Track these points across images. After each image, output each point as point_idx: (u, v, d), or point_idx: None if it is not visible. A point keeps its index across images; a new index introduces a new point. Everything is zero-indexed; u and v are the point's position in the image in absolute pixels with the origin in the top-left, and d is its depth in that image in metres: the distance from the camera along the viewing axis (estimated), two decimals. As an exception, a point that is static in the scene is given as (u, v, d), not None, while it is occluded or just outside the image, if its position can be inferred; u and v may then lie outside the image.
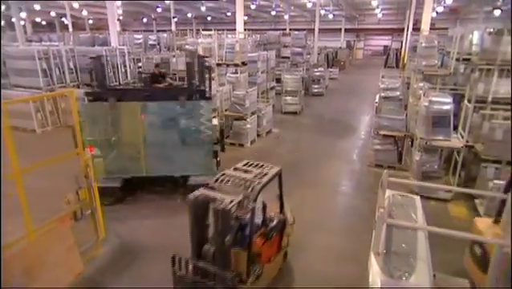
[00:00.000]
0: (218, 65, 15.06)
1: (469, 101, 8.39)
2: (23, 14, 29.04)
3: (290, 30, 34.67)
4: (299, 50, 24.15)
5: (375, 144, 10.54)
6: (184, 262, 4.51)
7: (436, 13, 29.95)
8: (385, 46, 47.72)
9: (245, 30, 18.93)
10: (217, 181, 4.78)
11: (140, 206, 8.25)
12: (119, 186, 8.17)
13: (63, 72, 14.97)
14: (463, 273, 4.88)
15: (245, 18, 24.25)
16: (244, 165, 5.35)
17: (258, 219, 5.11)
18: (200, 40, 12.55)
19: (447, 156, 9.27)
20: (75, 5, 30.11)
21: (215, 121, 8.93)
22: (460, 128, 8.67)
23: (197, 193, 4.40)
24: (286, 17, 39.26)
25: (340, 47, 41.33)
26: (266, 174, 4.95)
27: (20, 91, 14.73)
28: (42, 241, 5.40)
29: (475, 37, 10.18)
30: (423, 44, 12.44)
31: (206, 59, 9.60)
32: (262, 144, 12.80)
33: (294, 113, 17.00)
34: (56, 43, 24.57)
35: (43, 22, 48.27)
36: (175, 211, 7.61)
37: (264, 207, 5.33)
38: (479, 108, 8.72)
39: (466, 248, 5.09)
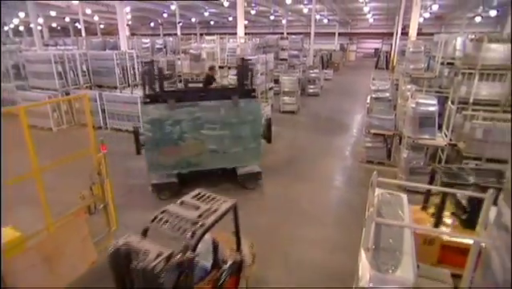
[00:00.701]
0: (221, 68, 15.06)
1: (453, 102, 8.43)
2: (40, 20, 29.03)
3: (288, 33, 34.56)
4: (296, 52, 24.13)
5: (366, 142, 10.57)
6: None
7: (424, 19, 29.99)
8: (376, 49, 47.59)
9: (245, 34, 18.89)
10: (154, 220, 3.74)
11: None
12: (176, 181, 8.24)
13: (77, 75, 15.00)
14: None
15: (246, 22, 24.19)
16: (194, 197, 4.24)
17: (208, 262, 4.19)
18: (203, 45, 12.53)
19: (432, 153, 9.29)
20: (88, 10, 30.03)
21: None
22: (444, 128, 8.71)
23: (119, 242, 3.30)
24: (284, 21, 39.12)
25: (334, 50, 41.17)
26: (214, 212, 3.83)
27: (37, 92, 14.80)
28: (60, 233, 5.47)
29: (458, 43, 10.21)
30: (411, 49, 12.46)
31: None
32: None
33: (292, 112, 16.98)
34: (70, 47, 24.64)
35: (59, 28, 48.15)
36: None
37: (215, 247, 4.30)
38: (461, 109, 8.76)
39: None
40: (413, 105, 8.38)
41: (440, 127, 8.85)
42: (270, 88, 18.26)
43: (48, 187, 5.38)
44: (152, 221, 3.74)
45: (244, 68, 8.53)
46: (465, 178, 5.27)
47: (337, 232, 7.06)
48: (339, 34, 45.84)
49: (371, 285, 2.74)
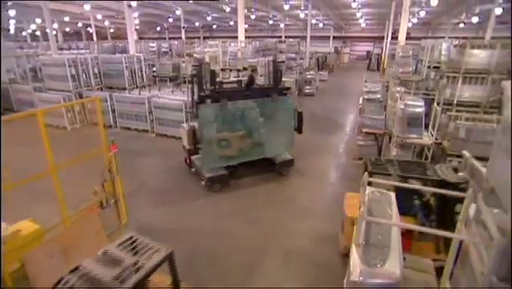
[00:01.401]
0: (223, 70, 15.03)
1: (438, 104, 8.46)
2: (55, 25, 28.97)
3: (286, 37, 34.52)
4: (293, 55, 24.10)
5: (358, 140, 10.59)
6: None
7: (412, 24, 29.96)
8: (368, 52, 47.38)
9: (245, 37, 18.84)
10: (58, 284, 2.90)
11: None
12: (226, 173, 8.54)
13: (89, 77, 15.01)
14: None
15: (246, 26, 24.07)
16: (121, 245, 3.35)
17: None
18: (206, 49, 12.52)
19: (419, 151, 9.34)
20: (99, 16, 29.91)
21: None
22: (430, 128, 8.73)
23: None
24: (282, 25, 38.95)
25: (329, 52, 41.04)
26: (139, 268, 2.97)
27: (52, 93, 14.85)
28: (75, 226, 5.53)
29: (443, 48, 10.22)
30: (400, 54, 12.47)
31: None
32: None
33: (289, 111, 16.93)
34: (83, 51, 24.58)
35: (72, 32, 48.00)
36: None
37: None
38: (446, 110, 8.80)
39: None
40: (402, 106, 8.39)
41: (426, 126, 8.88)
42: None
43: (63, 182, 5.43)
44: (56, 285, 2.87)
45: (275, 70, 9.08)
46: (388, 169, 5.57)
47: (327, 223, 7.11)
48: (334, 37, 45.74)
49: (361, 279, 2.80)
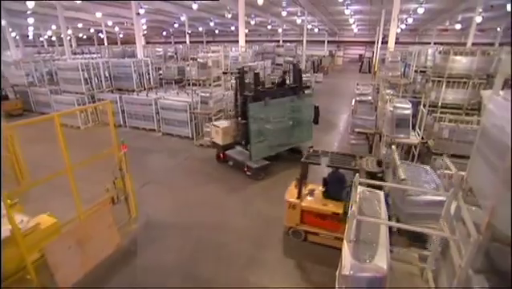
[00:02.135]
0: (224, 73, 14.96)
1: (424, 106, 8.48)
2: (69, 31, 28.97)
3: (283, 41, 34.39)
4: (291, 59, 24.01)
5: (351, 139, 10.61)
6: None
7: (401, 30, 29.93)
8: (360, 55, 47.29)
9: (245, 41, 18.77)
10: None
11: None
12: (269, 163, 9.18)
13: (101, 80, 15.04)
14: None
15: (246, 31, 23.97)
16: None
17: None
18: (209, 54, 12.51)
19: (407, 149, 9.39)
20: (109, 22, 29.80)
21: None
22: (417, 128, 8.76)
23: None
24: (280, 30, 38.79)
25: (324, 56, 40.88)
26: None
27: (67, 95, 14.93)
28: (89, 220, 5.60)
29: (429, 53, 10.23)
30: (389, 59, 12.46)
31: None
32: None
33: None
34: (94, 55, 24.56)
35: (84, 37, 47.85)
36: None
37: None
38: (431, 112, 8.83)
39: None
40: (391, 109, 8.40)
41: (413, 127, 8.91)
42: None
43: (78, 179, 5.48)
44: None
45: (298, 71, 9.83)
46: (317, 159, 6.18)
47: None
48: (328, 41, 45.54)
49: (351, 272, 2.86)
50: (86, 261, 5.39)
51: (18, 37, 32.90)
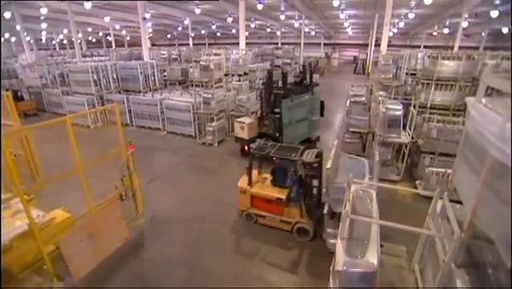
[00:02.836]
0: (226, 75, 14.95)
1: (414, 107, 8.51)
2: (80, 35, 28.97)
3: (282, 44, 34.25)
4: (288, 60, 23.97)
5: (345, 138, 10.62)
6: None
7: (393, 33, 29.92)
8: (354, 57, 47.10)
9: (246, 44, 18.76)
10: None
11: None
12: None
13: (109, 81, 15.06)
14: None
15: (246, 33, 23.85)
16: None
17: None
18: (211, 57, 12.51)
19: (398, 148, 9.44)
20: (117, 26, 29.72)
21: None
22: (407, 128, 8.81)
23: None
24: (279, 33, 38.65)
25: (320, 57, 40.76)
26: None
27: (77, 96, 14.97)
28: (100, 215, 5.67)
29: (419, 57, 10.24)
30: (382, 62, 12.45)
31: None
32: (260, 137, 12.83)
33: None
34: (103, 57, 24.55)
35: (94, 40, 47.68)
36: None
37: None
38: (421, 112, 8.86)
39: None
40: (383, 110, 8.44)
41: (404, 127, 8.96)
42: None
43: (88, 176, 5.53)
44: None
45: (310, 71, 10.51)
46: (267, 151, 6.49)
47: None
48: (324, 44, 45.44)
49: (344, 268, 2.92)
50: (97, 253, 5.47)
51: (32, 41, 32.90)
